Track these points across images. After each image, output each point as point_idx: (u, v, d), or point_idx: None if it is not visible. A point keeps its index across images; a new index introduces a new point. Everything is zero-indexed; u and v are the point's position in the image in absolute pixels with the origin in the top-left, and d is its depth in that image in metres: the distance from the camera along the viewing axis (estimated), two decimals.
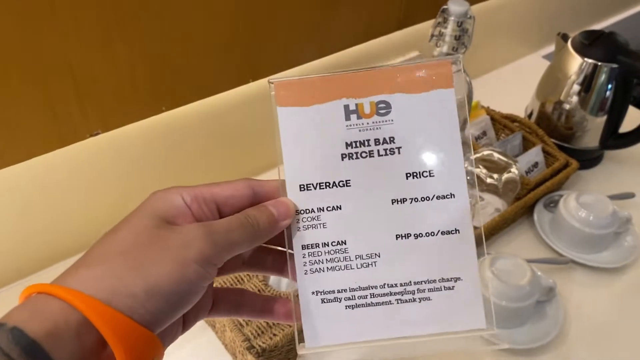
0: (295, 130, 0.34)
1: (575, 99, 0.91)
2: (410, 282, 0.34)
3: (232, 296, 0.36)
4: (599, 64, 0.87)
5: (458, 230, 0.34)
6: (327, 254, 0.34)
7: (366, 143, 0.34)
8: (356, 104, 0.35)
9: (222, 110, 0.75)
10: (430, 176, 0.34)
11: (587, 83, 0.89)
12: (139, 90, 0.62)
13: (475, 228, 0.35)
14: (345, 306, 0.34)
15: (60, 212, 0.70)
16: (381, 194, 0.34)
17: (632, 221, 0.82)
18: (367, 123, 0.34)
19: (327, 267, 0.34)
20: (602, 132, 0.92)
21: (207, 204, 0.32)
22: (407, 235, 0.34)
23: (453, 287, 0.34)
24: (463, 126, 0.35)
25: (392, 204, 0.34)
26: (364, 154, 0.34)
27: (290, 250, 0.34)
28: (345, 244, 0.34)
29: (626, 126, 0.92)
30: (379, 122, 0.34)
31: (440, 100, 0.34)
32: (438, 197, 0.34)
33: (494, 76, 1.18)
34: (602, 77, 0.88)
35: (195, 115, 0.73)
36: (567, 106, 0.92)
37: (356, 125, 0.34)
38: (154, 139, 0.71)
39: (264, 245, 0.36)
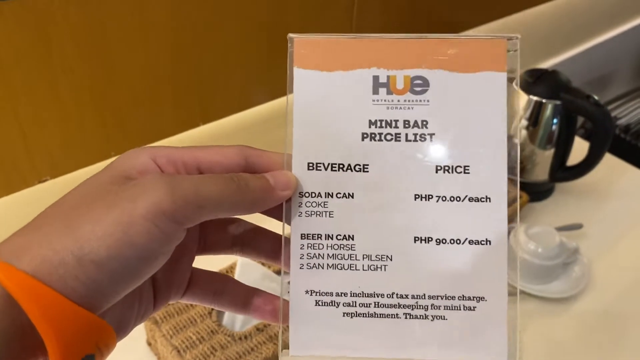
0: (311, 97, 0.30)
1: (524, 133, 0.94)
2: (424, 295, 0.29)
3: (214, 281, 0.31)
4: (544, 101, 0.91)
5: (489, 241, 0.29)
6: (329, 248, 0.29)
7: (393, 124, 0.29)
8: (388, 76, 0.30)
9: None
10: (464, 172, 0.29)
11: (534, 118, 0.92)
12: (88, 136, 0.63)
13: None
14: (343, 313, 0.29)
15: None
16: (403, 186, 0.29)
17: (579, 251, 0.84)
18: (398, 100, 0.30)
19: (328, 264, 0.29)
20: (551, 165, 0.95)
21: (188, 169, 0.27)
22: (428, 240, 0.29)
23: (474, 307, 0.29)
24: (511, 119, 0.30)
25: (415, 199, 0.29)
26: (389, 136, 0.29)
27: (286, 235, 0.30)
28: (352, 239, 0.29)
29: (576, 159, 0.95)
30: (413, 100, 0.30)
31: (488, 84, 0.29)
32: (471, 199, 0.29)
33: None
34: (547, 113, 0.91)
35: None
36: (516, 140, 0.95)
37: (385, 101, 0.30)
38: None
39: (264, 227, 0.32)
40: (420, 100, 0.30)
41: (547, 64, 1.31)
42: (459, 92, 0.30)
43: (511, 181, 0.97)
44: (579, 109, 0.88)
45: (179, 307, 0.68)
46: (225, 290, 0.31)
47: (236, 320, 0.69)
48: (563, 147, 0.94)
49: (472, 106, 0.29)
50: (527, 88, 0.92)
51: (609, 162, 1.03)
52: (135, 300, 0.28)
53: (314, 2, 0.75)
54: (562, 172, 0.95)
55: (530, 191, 0.93)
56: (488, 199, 0.29)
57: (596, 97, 0.88)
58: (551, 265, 0.81)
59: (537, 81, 0.92)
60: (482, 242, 0.29)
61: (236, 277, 0.70)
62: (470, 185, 0.29)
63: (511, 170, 0.31)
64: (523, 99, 0.93)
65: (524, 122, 0.94)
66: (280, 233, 0.30)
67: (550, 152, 0.94)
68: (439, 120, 0.30)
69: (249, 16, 0.70)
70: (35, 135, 0.60)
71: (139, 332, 0.69)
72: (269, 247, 0.31)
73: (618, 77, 1.55)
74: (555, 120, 0.92)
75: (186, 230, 0.25)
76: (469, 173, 0.29)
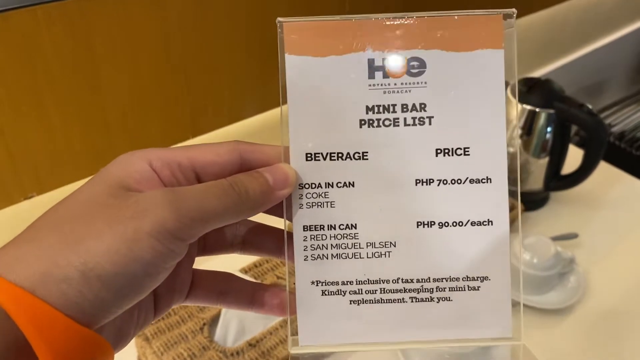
0: (305, 85, 0.29)
1: (518, 142, 0.94)
2: (429, 278, 0.30)
3: (217, 280, 0.31)
4: (537, 110, 0.90)
5: (491, 221, 0.29)
6: (333, 238, 0.29)
7: (391, 108, 0.29)
8: (383, 59, 0.29)
9: None
10: (465, 155, 0.29)
11: (528, 127, 0.92)
12: (75, 152, 0.63)
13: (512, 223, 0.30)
14: (350, 301, 0.30)
15: None
16: (404, 172, 0.29)
17: (575, 261, 0.83)
18: (395, 84, 0.29)
19: (332, 254, 0.29)
20: (545, 174, 0.95)
21: (183, 171, 0.27)
22: (431, 223, 0.29)
23: (479, 287, 0.30)
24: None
25: (416, 184, 0.29)
26: (387, 122, 0.29)
27: (288, 230, 0.30)
28: (355, 228, 0.29)
29: (570, 167, 0.94)
30: (410, 83, 0.29)
31: (485, 63, 0.29)
32: (472, 181, 0.29)
33: None
34: (541, 122, 0.91)
35: None
36: (510, 149, 0.95)
37: (381, 85, 0.29)
38: None
39: (263, 223, 0.31)
40: (418, 83, 0.29)
41: (540, 72, 1.31)
42: (456, 72, 0.29)
43: (511, 193, 0.94)
44: (572, 118, 0.88)
45: (170, 323, 0.67)
46: (230, 288, 0.31)
47: (228, 336, 0.68)
48: (557, 156, 0.93)
49: (470, 86, 0.29)
50: (520, 97, 0.92)
51: (604, 170, 1.02)
52: (134, 310, 0.27)
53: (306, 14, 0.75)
54: (557, 181, 0.95)
55: (525, 200, 0.92)
56: (489, 180, 0.29)
57: (589, 106, 0.87)
58: (547, 275, 0.80)
59: (530, 90, 0.92)
60: (484, 223, 0.29)
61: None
62: (471, 166, 0.29)
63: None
64: (517, 108, 0.92)
65: (518, 131, 0.93)
66: (281, 227, 0.30)
67: (544, 161, 0.94)
68: (437, 102, 0.29)
69: (240, 29, 0.70)
70: (21, 152, 0.59)
71: (130, 349, 0.68)
72: (271, 244, 0.31)
73: (612, 84, 1.55)
74: (549, 129, 0.91)
75: (189, 245, 0.25)
76: (468, 155, 0.29)
